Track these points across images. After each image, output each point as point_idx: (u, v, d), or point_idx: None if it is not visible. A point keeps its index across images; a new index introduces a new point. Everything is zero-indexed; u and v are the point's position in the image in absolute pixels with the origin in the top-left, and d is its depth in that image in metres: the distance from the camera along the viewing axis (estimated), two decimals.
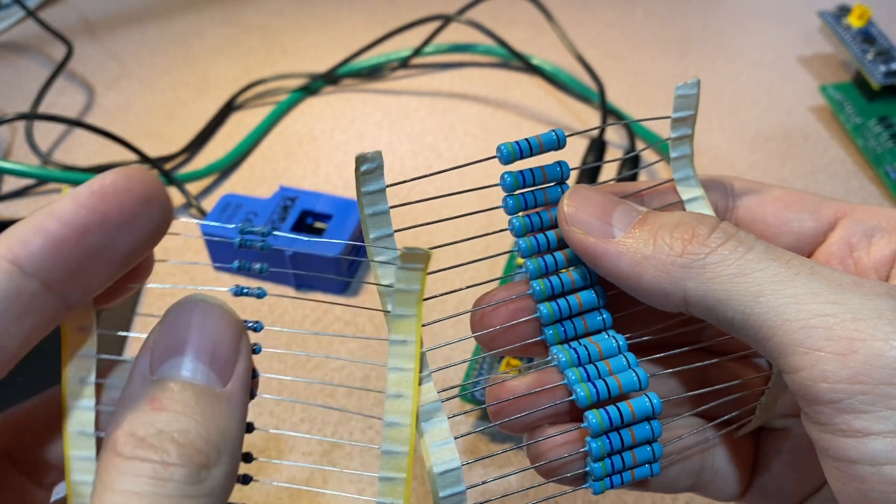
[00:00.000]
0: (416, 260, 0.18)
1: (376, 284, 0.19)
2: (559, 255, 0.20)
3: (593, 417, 0.19)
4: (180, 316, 0.16)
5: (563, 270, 0.20)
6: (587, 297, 0.20)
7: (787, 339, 0.16)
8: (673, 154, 0.22)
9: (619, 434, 0.19)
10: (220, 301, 0.17)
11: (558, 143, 0.20)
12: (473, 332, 0.21)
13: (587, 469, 0.20)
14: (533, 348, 0.21)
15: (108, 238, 0.15)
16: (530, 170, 0.20)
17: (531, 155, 0.20)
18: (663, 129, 0.50)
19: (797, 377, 0.16)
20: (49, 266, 0.15)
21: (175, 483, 0.14)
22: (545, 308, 0.20)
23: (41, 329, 0.15)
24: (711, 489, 0.22)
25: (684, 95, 0.21)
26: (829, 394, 0.16)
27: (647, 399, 0.19)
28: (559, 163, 0.20)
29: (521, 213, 0.20)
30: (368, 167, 0.18)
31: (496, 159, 0.20)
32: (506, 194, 0.20)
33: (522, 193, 0.20)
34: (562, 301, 0.20)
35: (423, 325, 0.19)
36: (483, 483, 0.19)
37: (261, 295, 0.18)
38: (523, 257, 0.20)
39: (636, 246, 0.18)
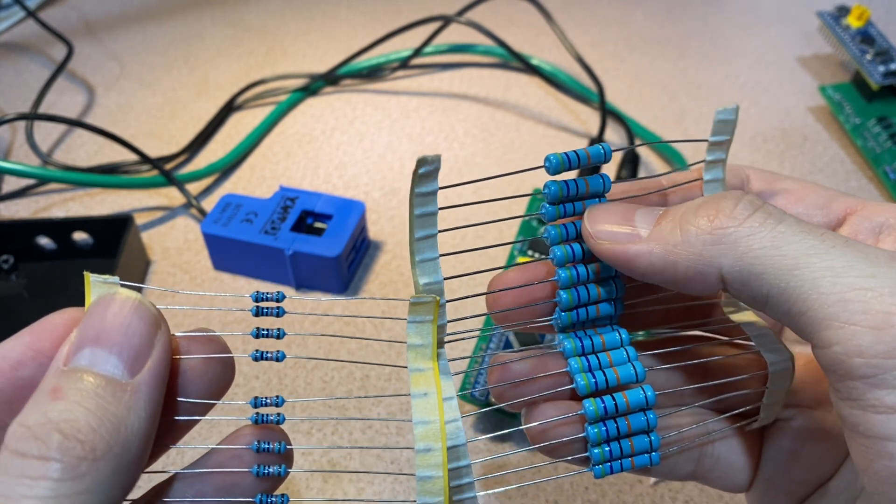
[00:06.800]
0: (423, 311, 0.19)
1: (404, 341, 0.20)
2: (591, 266, 0.21)
3: (590, 405, 0.20)
4: (97, 310, 0.17)
5: (591, 282, 0.21)
6: (604, 288, 0.21)
7: (823, 312, 0.16)
8: (706, 176, 0.22)
9: (616, 422, 0.20)
10: (137, 296, 0.17)
11: (604, 157, 0.20)
12: (490, 311, 0.22)
13: (588, 454, 0.20)
14: (543, 327, 0.22)
15: (41, 372, 0.16)
16: (574, 180, 0.20)
17: (578, 167, 0.20)
18: (665, 132, 0.50)
19: (830, 352, 0.16)
20: None
21: (48, 482, 0.14)
22: (566, 294, 0.21)
23: None
24: (714, 478, 0.23)
25: (723, 121, 0.21)
26: (864, 368, 0.15)
27: (641, 391, 0.20)
28: (601, 175, 0.20)
29: (557, 221, 0.21)
30: (426, 170, 0.18)
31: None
32: (547, 203, 0.20)
33: (563, 203, 0.20)
34: (582, 289, 0.21)
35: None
36: (493, 457, 0.21)
37: (280, 358, 0.19)
38: (557, 265, 0.21)
39: (664, 237, 0.18)
